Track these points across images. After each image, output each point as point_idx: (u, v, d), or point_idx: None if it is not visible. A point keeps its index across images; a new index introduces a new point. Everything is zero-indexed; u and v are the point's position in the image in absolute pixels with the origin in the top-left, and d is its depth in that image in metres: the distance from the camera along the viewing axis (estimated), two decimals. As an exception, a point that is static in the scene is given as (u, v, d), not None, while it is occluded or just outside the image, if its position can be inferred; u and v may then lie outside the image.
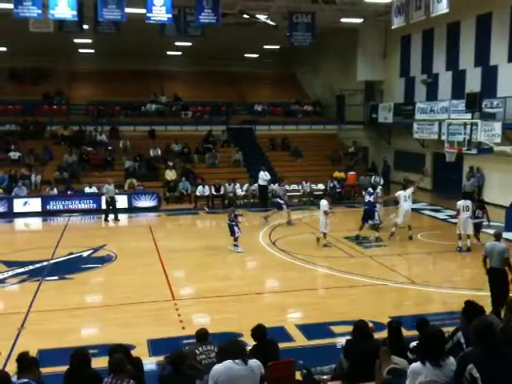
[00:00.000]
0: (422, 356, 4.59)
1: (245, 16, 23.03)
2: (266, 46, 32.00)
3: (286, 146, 28.13)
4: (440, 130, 21.27)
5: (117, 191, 20.65)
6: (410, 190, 16.06)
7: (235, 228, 14.68)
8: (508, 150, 17.07)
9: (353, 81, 28.84)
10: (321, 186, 23.96)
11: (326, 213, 15.14)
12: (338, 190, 23.75)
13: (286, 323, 9.49)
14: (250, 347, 6.51)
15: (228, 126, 28.97)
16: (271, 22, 23.61)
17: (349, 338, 6.38)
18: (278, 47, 31.98)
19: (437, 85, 24.38)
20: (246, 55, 34.66)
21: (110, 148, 26.00)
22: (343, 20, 24.63)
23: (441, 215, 19.97)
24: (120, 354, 5.49)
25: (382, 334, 6.97)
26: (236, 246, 14.72)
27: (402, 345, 6.11)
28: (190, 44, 29.20)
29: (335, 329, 9.05)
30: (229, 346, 5.44)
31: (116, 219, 19.74)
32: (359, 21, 25.16)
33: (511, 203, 17.01)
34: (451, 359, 4.60)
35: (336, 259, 13.96)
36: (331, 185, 23.82)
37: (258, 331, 6.40)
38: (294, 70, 37.01)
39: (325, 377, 6.49)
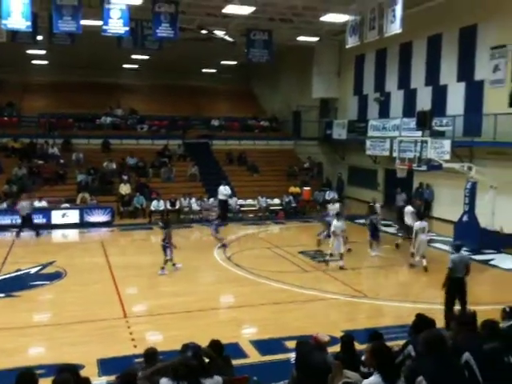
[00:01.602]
0: (379, 370, 4.60)
1: (203, 32, 23.11)
2: (223, 62, 32.18)
3: (242, 160, 28.22)
4: (391, 146, 21.81)
5: (35, 205, 20.27)
6: (424, 223, 14.87)
7: (167, 250, 14.06)
8: (456, 167, 17.66)
9: (309, 97, 29.32)
10: (276, 201, 24.15)
11: (334, 233, 14.62)
12: (293, 205, 23.98)
13: (240, 339, 9.42)
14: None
15: (184, 140, 28.83)
16: (229, 38, 23.78)
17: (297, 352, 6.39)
18: (235, 63, 32.22)
19: (389, 103, 25.07)
20: (203, 70, 34.74)
21: (62, 161, 25.36)
22: (299, 38, 25.09)
23: (392, 230, 20.40)
24: (65, 374, 5.29)
25: (335, 348, 7.00)
26: (163, 268, 13.91)
27: (355, 358, 6.16)
28: (147, 57, 29.04)
29: (289, 344, 9.03)
30: (177, 367, 5.31)
31: (37, 235, 19.05)
32: (315, 39, 25.69)
33: (459, 218, 17.56)
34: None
35: (290, 274, 14.00)
36: (287, 200, 24.02)
37: (215, 348, 6.29)
38: (252, 85, 37.35)
39: (278, 392, 6.46)
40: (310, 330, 8.86)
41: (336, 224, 14.66)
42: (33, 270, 14.10)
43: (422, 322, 5.91)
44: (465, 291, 9.97)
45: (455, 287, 9.95)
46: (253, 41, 22.18)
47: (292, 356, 8.34)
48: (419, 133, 20.31)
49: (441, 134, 19.91)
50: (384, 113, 25.22)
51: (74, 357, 7.81)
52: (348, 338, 6.63)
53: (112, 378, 6.85)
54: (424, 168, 18.22)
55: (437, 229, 19.82)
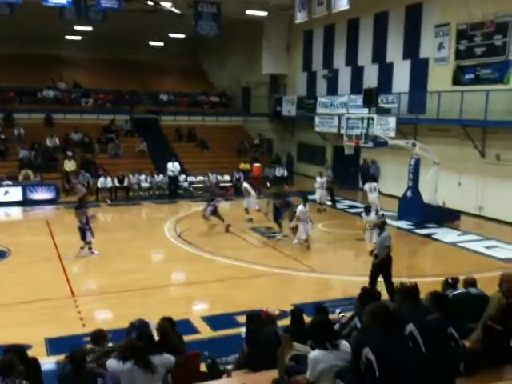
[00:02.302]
0: (316, 343, 4.76)
1: (149, 3, 22.47)
2: (171, 35, 31.45)
3: (192, 137, 27.92)
4: (339, 123, 22.14)
5: None
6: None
7: (87, 232, 13.41)
8: (401, 144, 18.15)
9: (258, 73, 29.20)
10: (227, 178, 24.12)
11: (299, 219, 14.12)
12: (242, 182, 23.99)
13: (191, 315, 9.46)
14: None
15: (132, 115, 28.17)
16: (176, 10, 23.23)
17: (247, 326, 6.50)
18: (183, 36, 31.56)
19: (337, 80, 25.34)
20: (150, 43, 33.87)
21: (2, 137, 24.29)
22: (248, 12, 24.81)
23: (339, 205, 20.84)
24: (10, 355, 5.17)
25: (285, 322, 7.15)
26: (82, 248, 13.35)
27: (304, 331, 6.31)
28: (90, 29, 27.99)
29: (240, 318, 9.13)
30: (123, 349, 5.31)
31: None
32: (264, 14, 25.47)
33: (403, 193, 18.14)
34: (344, 342, 4.80)
35: (240, 250, 14.11)
36: (237, 176, 24.02)
37: (165, 325, 6.29)
38: (201, 60, 36.78)
39: (229, 366, 6.56)
40: (261, 304, 8.98)
41: (302, 209, 14.18)
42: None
43: (368, 294, 6.10)
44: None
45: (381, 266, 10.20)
46: (200, 13, 21.80)
47: (243, 330, 8.47)
48: (366, 110, 20.72)
49: (386, 112, 20.38)
50: (332, 90, 25.48)
51: (20, 337, 7.62)
52: (297, 312, 6.78)
53: (61, 357, 6.75)
54: (370, 145, 18.63)
55: (382, 204, 20.40)
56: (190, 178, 23.83)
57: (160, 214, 19.55)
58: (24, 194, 20.43)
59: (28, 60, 29.21)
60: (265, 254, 13.93)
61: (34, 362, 5.74)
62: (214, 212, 16.25)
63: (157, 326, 6.26)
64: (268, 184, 24.55)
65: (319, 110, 24.84)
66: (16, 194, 20.24)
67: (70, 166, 22.97)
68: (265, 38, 28.40)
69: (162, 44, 34.22)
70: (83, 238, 13.40)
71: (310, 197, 18.10)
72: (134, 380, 5.09)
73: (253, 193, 18.02)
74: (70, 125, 26.00)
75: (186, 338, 6.95)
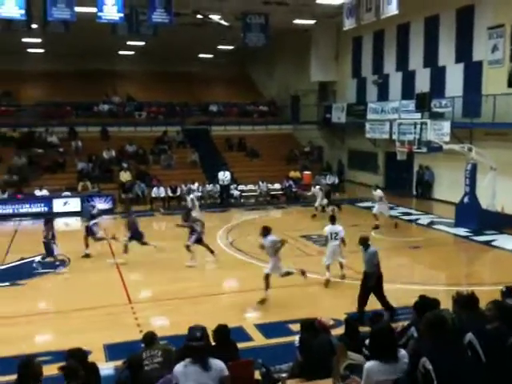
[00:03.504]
0: (375, 354, 4.66)
1: (198, 16, 22.92)
2: (219, 47, 31.95)
3: (242, 146, 28.18)
4: (391, 129, 21.81)
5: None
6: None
7: (53, 246, 13.34)
8: (456, 148, 17.67)
9: (307, 81, 29.19)
10: (277, 186, 24.17)
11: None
12: (293, 190, 24.01)
13: (244, 323, 9.52)
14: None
15: (183, 126, 28.76)
16: (225, 23, 23.58)
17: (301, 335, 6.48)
18: (231, 47, 31.99)
19: (387, 85, 24.98)
20: (200, 55, 34.51)
21: (61, 150, 25.33)
22: (296, 21, 24.89)
23: (393, 212, 20.44)
24: (73, 360, 5.37)
25: (339, 331, 7.09)
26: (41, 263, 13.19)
27: (359, 341, 6.24)
28: (142, 43, 28.82)
29: (293, 327, 9.12)
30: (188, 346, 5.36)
31: None
32: (311, 22, 25.49)
33: (460, 200, 17.62)
34: (403, 352, 4.71)
35: (293, 258, 14.05)
36: (287, 184, 24.04)
37: (221, 331, 6.36)
38: (249, 70, 37.15)
39: (283, 375, 6.55)
40: (314, 313, 8.95)
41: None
42: (36, 259, 14.15)
43: (425, 303, 5.96)
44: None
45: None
46: (249, 25, 22.01)
47: (296, 339, 8.44)
48: (418, 115, 20.30)
49: (440, 116, 19.90)
50: (383, 95, 25.14)
51: (80, 343, 7.78)
52: (352, 321, 6.72)
53: (119, 362, 6.95)
54: (424, 150, 18.25)
55: (438, 211, 19.91)
56: (241, 187, 24.04)
57: (212, 222, 19.73)
58: (82, 204, 21.18)
59: (83, 75, 30.39)
60: (317, 261, 13.80)
61: (93, 367, 5.94)
62: (199, 241, 14.03)
63: (213, 332, 6.34)
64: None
65: (370, 116, 24.54)
66: (74, 204, 21.03)
67: (125, 177, 23.68)
68: (313, 45, 28.38)
69: (211, 56, 34.81)
70: (50, 253, 13.31)
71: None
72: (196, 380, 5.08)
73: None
74: (124, 137, 26.84)
75: (240, 345, 6.99)
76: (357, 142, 27.16)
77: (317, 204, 19.82)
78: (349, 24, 20.61)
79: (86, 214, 16.02)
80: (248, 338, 8.80)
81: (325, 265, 11.99)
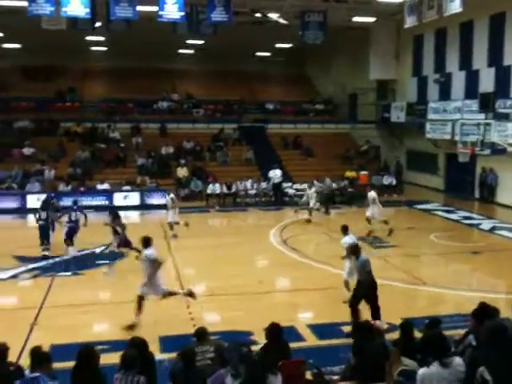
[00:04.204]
0: (428, 360, 4.56)
1: (257, 15, 23.02)
2: (277, 45, 31.98)
3: (297, 144, 28.11)
4: (453, 130, 21.14)
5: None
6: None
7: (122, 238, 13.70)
8: (522, 151, 16.94)
9: (365, 80, 28.72)
10: (332, 185, 23.92)
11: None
12: (349, 190, 23.69)
13: (296, 323, 9.49)
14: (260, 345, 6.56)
15: (240, 124, 29.00)
16: (283, 21, 23.57)
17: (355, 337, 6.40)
18: (289, 46, 31.94)
19: (450, 84, 24.20)
20: (257, 54, 34.66)
21: (122, 145, 26.14)
22: (355, 19, 24.55)
23: (454, 216, 19.84)
24: (132, 349, 5.54)
25: (393, 335, 6.95)
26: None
27: (413, 346, 6.10)
28: (201, 42, 29.25)
29: (346, 329, 9.02)
30: None
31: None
32: (371, 20, 25.07)
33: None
34: (457, 359, 4.58)
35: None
36: (342, 184, 23.76)
37: (274, 330, 6.38)
38: (306, 68, 36.96)
39: (335, 377, 6.50)
40: (368, 316, 8.85)
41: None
42: (97, 250, 14.68)
43: (485, 311, 5.77)
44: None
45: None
46: (307, 22, 21.87)
47: (349, 341, 8.35)
48: (482, 115, 19.58)
49: (505, 117, 19.10)
50: (444, 95, 24.37)
51: (136, 333, 8.08)
52: (407, 325, 6.56)
53: (172, 354, 7.10)
54: (487, 152, 17.57)
55: (501, 215, 19.14)
56: (296, 186, 23.97)
57: (266, 220, 19.87)
58: (141, 198, 21.81)
59: (144, 73, 31.16)
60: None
61: (151, 358, 6.10)
62: (125, 245, 13.78)
63: (265, 330, 6.38)
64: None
65: (430, 115, 23.86)
66: (134, 198, 21.67)
67: (182, 172, 24.15)
68: (372, 43, 27.88)
69: (268, 54, 34.89)
70: (126, 244, 13.73)
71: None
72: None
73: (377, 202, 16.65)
74: (182, 134, 27.35)
75: (291, 344, 6.98)
76: (416, 143, 26.48)
77: (311, 206, 18.68)
78: (410, 22, 20.13)
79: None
80: (300, 338, 8.78)
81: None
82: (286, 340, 6.67)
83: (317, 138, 28.53)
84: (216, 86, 32.20)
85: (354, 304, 9.17)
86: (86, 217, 14.61)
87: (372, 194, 16.66)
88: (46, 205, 15.09)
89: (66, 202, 20.91)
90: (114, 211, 14.84)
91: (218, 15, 19.38)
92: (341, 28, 26.18)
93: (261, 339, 7.01)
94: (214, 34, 22.39)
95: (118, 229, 13.66)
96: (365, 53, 28.23)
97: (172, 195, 17.33)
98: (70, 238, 14.22)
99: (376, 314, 9.02)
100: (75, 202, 15.30)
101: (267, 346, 6.38)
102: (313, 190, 19.05)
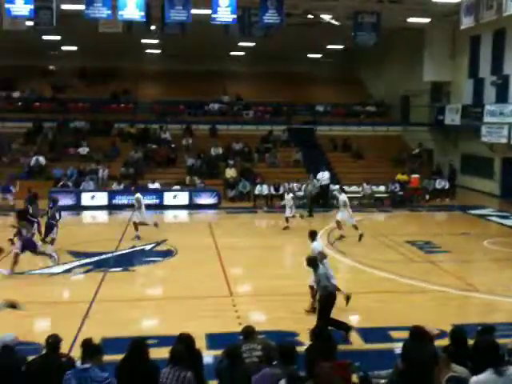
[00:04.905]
0: (481, 367, 4.41)
1: (309, 16, 22.92)
2: (328, 46, 31.74)
3: (347, 147, 27.82)
4: (510, 133, 20.38)
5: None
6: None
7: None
8: None
9: (418, 81, 28.08)
10: (382, 188, 23.54)
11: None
12: (400, 193, 23.23)
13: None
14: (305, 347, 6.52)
15: (289, 126, 28.98)
16: (335, 22, 23.38)
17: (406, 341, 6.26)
18: (341, 47, 31.65)
19: (507, 87, 23.32)
20: (308, 55, 34.51)
21: (173, 146, 26.63)
22: (409, 20, 24.05)
23: (509, 222, 19.10)
24: (180, 345, 5.62)
25: (443, 342, 6.75)
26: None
27: (465, 353, 5.91)
28: (253, 44, 29.41)
29: (394, 334, 8.85)
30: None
31: None
32: (426, 20, 24.51)
33: None
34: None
35: (396, 263, 13.64)
36: (393, 187, 23.32)
37: (321, 332, 6.33)
38: (357, 69, 36.50)
39: (382, 381, 6.38)
40: (417, 321, 8.58)
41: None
42: (147, 247, 15.02)
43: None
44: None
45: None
46: (360, 24, 21.58)
47: (396, 346, 8.18)
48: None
49: None
50: (502, 97, 23.49)
51: (183, 330, 8.17)
52: (458, 332, 6.35)
53: (218, 351, 7.14)
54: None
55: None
56: (344, 188, 23.63)
57: (313, 222, 19.71)
58: (190, 198, 22.13)
59: (196, 75, 31.60)
60: (423, 269, 13.28)
61: (198, 354, 6.17)
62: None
63: (311, 331, 6.34)
64: (427, 196, 23.48)
65: (487, 118, 23.05)
66: (183, 198, 22.02)
67: (230, 173, 24.35)
68: (426, 44, 27.24)
69: (319, 56, 34.68)
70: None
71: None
72: None
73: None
74: (232, 135, 27.59)
75: (338, 346, 6.88)
76: (471, 146, 25.67)
77: (287, 214, 17.61)
78: (466, 22, 19.52)
79: None
80: (346, 341, 8.65)
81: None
82: (334, 341, 6.59)
83: (367, 140, 28.13)
84: (266, 87, 32.29)
85: (328, 320, 8.55)
86: (60, 216, 14.78)
87: (343, 198, 16.38)
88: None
89: (118, 200, 21.70)
90: (20, 212, 14.82)
91: (270, 17, 19.40)
92: (394, 29, 25.72)
93: (305, 340, 6.97)
94: (266, 36, 22.48)
95: (23, 231, 12.91)
96: (419, 54, 27.62)
97: (138, 195, 16.55)
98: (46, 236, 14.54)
99: (321, 328, 8.42)
100: (54, 201, 15.21)
101: (312, 348, 6.33)
102: (290, 195, 18.16)
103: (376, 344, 8.63)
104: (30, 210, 15.48)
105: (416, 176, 24.19)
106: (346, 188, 23.44)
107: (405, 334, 8.02)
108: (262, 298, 10.94)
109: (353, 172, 25.12)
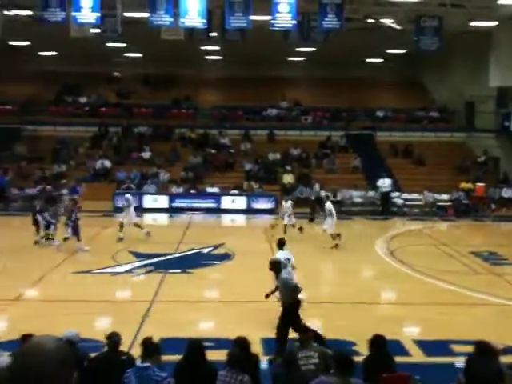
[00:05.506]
0: None
1: (369, 20, 22.60)
2: (389, 51, 31.15)
3: (408, 153, 27.17)
4: None
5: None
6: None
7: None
8: None
9: (484, 86, 27.04)
10: (445, 197, 22.80)
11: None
12: (464, 202, 22.40)
13: (401, 337, 9.14)
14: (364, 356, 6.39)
15: (347, 131, 28.64)
16: (396, 26, 22.92)
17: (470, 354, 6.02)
18: (403, 51, 30.97)
19: None
20: (367, 60, 34.02)
21: (231, 151, 26.92)
22: (473, 23, 23.24)
23: None
24: (237, 349, 5.66)
25: (509, 358, 6.45)
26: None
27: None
28: (312, 49, 29.31)
29: (456, 347, 8.54)
30: None
31: None
32: (492, 24, 23.60)
33: None
34: None
35: (459, 274, 13.17)
36: (457, 196, 22.53)
37: (377, 342, 6.20)
38: (419, 74, 35.59)
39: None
40: (480, 335, 8.26)
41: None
42: (205, 250, 15.24)
43: None
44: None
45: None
46: (422, 28, 21.04)
47: (458, 360, 7.88)
48: None
49: None
50: None
51: (239, 334, 8.19)
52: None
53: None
54: None
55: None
56: (405, 196, 23.15)
57: (372, 229, 19.39)
58: (248, 202, 22.30)
59: (255, 81, 31.83)
60: (488, 281, 12.76)
61: (255, 359, 6.18)
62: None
63: (369, 342, 6.22)
64: (493, 206, 22.55)
65: (558, 125, 21.93)
66: (241, 202, 22.22)
67: (288, 179, 24.33)
68: (493, 48, 26.18)
69: (379, 60, 34.08)
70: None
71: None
72: None
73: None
74: (290, 141, 27.57)
75: (396, 359, 6.72)
76: (540, 154, 24.47)
77: (285, 222, 17.08)
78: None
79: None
80: (405, 353, 8.43)
81: None
82: (391, 353, 6.44)
83: (429, 147, 27.36)
84: (324, 92, 32.06)
85: (298, 328, 7.84)
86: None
87: (329, 206, 16.05)
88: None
89: (179, 203, 22.16)
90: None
91: (330, 22, 19.24)
92: (457, 33, 24.94)
93: (363, 350, 6.84)
94: (325, 41, 22.34)
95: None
96: (484, 58, 26.60)
97: (128, 195, 16.77)
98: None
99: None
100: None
101: (370, 358, 6.20)
102: (289, 203, 17.68)
103: (436, 357, 8.35)
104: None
105: (481, 184, 23.30)
106: (406, 195, 23.01)
107: (466, 348, 7.76)
108: (317, 305, 10.83)
109: (414, 179, 24.50)
